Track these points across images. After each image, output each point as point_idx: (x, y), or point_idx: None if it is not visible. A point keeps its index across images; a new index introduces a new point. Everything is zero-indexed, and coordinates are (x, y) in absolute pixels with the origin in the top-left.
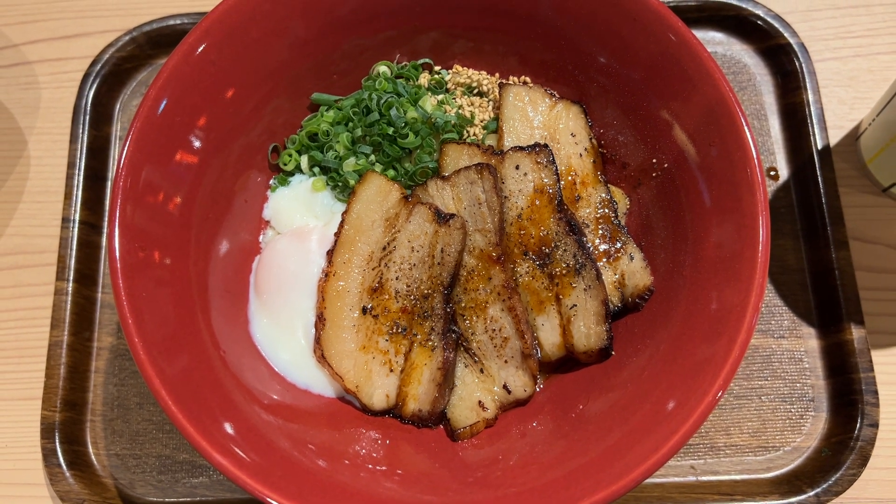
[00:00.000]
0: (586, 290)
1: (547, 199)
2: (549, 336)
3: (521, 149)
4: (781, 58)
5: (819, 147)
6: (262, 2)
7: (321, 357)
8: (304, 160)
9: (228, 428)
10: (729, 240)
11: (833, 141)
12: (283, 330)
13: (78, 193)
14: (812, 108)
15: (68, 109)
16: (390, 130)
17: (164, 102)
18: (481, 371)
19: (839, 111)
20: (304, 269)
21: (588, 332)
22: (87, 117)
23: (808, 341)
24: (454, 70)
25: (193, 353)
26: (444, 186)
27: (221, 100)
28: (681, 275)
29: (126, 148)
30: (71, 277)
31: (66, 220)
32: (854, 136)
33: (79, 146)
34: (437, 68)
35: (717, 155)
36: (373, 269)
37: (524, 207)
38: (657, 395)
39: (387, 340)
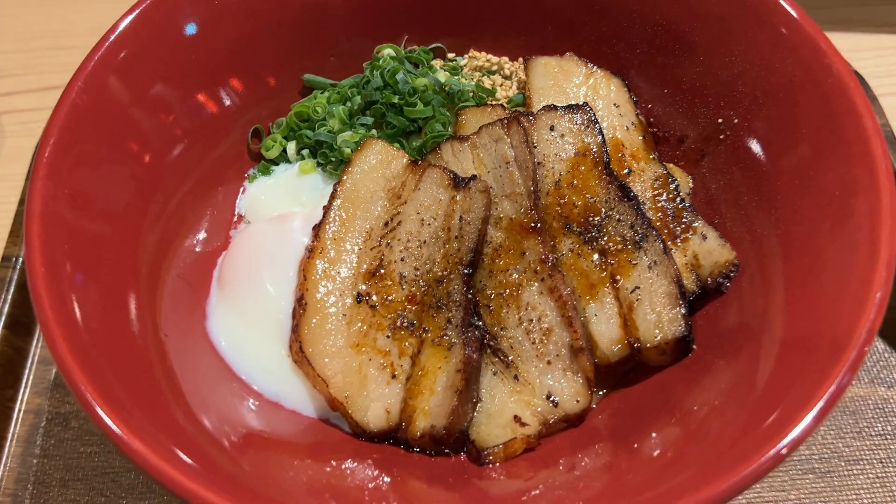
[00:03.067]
0: (651, 266)
1: (591, 162)
2: (605, 329)
3: (555, 108)
4: None
5: None
6: None
7: (299, 352)
8: (291, 146)
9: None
10: (833, 188)
11: None
12: (250, 323)
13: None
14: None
15: (29, 157)
16: (396, 99)
17: (121, 64)
18: (515, 378)
19: None
20: (283, 249)
21: (658, 318)
22: None
23: None
24: (471, 55)
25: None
26: (463, 148)
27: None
28: (770, 248)
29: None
30: (1, 322)
31: (6, 258)
32: None
33: None
34: (450, 55)
35: (801, 86)
36: (371, 249)
37: (563, 173)
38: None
39: (388, 337)
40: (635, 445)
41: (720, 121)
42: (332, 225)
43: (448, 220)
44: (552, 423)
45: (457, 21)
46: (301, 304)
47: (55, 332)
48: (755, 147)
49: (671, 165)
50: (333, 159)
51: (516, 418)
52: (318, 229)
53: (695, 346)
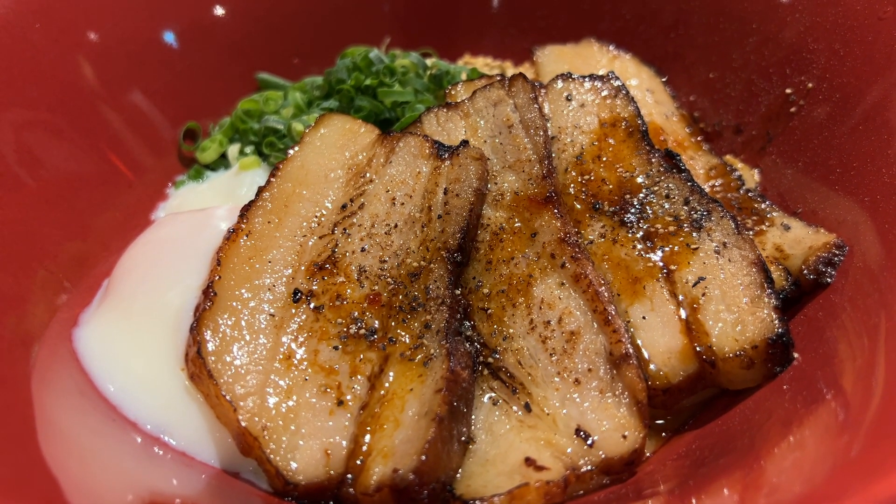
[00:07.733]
0: (720, 250)
1: (623, 132)
2: (659, 337)
3: (570, 76)
4: None
5: None
6: None
7: (197, 359)
8: (233, 149)
9: None
10: None
11: None
12: (135, 327)
13: None
14: None
15: None
16: (368, 81)
17: None
18: (527, 407)
19: None
20: (195, 238)
21: (737, 317)
22: None
23: None
24: (465, 60)
25: None
26: (452, 116)
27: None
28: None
29: None
30: None
31: None
32: None
33: None
34: (443, 62)
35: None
36: (321, 238)
37: (586, 146)
38: None
39: (336, 349)
40: None
41: (788, 91)
42: (266, 203)
43: (429, 196)
44: (585, 472)
45: (449, 19)
46: (208, 295)
47: None
48: (842, 106)
49: (729, 157)
50: (282, 147)
51: (529, 461)
52: (246, 210)
53: (796, 356)
